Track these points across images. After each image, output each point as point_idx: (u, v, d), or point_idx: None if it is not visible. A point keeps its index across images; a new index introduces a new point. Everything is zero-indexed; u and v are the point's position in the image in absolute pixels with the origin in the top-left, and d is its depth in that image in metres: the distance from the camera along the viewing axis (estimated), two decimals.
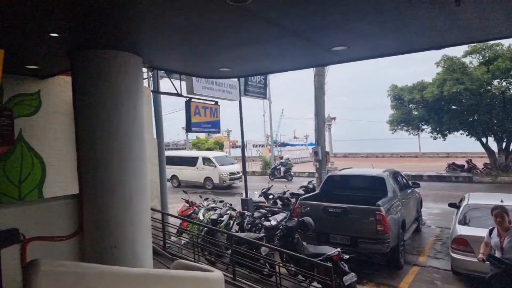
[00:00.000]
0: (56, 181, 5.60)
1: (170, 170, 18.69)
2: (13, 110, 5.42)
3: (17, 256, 3.51)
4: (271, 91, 26.04)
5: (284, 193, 11.44)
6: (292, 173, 21.80)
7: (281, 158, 24.43)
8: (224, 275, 6.28)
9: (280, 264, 5.74)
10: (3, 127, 3.35)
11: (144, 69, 6.55)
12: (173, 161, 19.74)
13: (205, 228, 6.81)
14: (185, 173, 20.58)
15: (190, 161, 20.56)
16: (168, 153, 15.03)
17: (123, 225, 4.11)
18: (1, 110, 3.00)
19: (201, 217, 7.73)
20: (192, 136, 38.08)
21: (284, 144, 57.46)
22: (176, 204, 11.79)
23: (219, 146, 35.12)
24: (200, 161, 20.21)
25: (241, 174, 17.50)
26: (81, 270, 2.80)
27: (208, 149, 34.25)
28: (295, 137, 71.93)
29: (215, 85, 10.49)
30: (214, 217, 7.33)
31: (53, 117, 5.72)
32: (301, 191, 12.02)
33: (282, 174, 21.61)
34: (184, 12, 3.20)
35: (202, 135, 35.31)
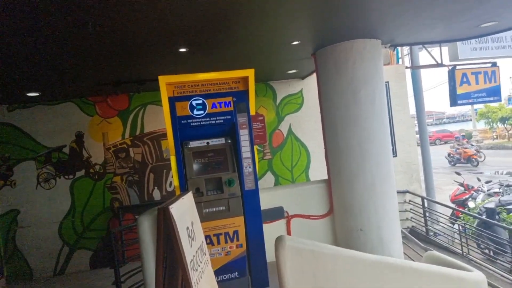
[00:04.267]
0: (318, 166, 6.47)
1: None
2: (283, 109, 6.71)
3: (283, 228, 4.38)
4: None
5: None
6: None
7: None
8: (503, 276, 5.17)
9: None
10: (258, 130, 4.26)
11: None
12: None
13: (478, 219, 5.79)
14: None
15: None
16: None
17: (367, 209, 4.22)
18: (255, 116, 3.83)
19: (471, 205, 6.59)
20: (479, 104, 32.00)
21: None
22: (453, 186, 10.61)
23: None
24: None
25: None
26: (317, 249, 3.16)
27: (503, 118, 27.96)
28: None
29: (490, 43, 8.53)
30: (490, 205, 6.07)
31: (313, 110, 6.58)
32: None
33: None
34: None
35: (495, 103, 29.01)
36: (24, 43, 3.12)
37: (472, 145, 21.55)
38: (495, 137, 28.30)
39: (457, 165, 20.05)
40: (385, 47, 5.37)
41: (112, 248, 3.54)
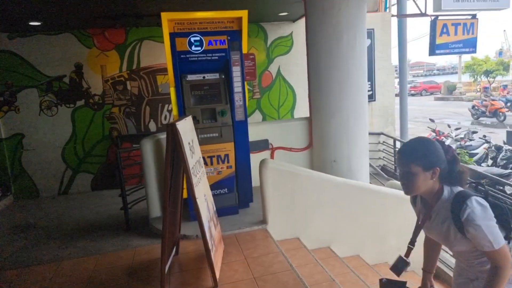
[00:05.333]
0: (302, 106, 6.97)
1: None
2: (274, 51, 7.02)
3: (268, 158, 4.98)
4: None
5: None
6: None
7: None
8: None
9: None
10: (249, 67, 4.66)
11: None
12: None
13: None
14: None
15: None
16: None
17: (340, 143, 4.82)
18: (247, 54, 4.20)
19: None
20: (467, 57, 32.16)
21: None
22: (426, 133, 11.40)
23: (504, 67, 28.41)
24: None
25: None
26: (295, 171, 3.78)
27: (487, 71, 28.51)
28: None
29: None
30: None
31: (302, 53, 6.88)
32: None
33: None
34: None
35: (480, 55, 29.22)
36: None
37: None
38: (478, 90, 28.97)
39: (480, 118, 17.70)
40: None
41: (115, 168, 4.08)
